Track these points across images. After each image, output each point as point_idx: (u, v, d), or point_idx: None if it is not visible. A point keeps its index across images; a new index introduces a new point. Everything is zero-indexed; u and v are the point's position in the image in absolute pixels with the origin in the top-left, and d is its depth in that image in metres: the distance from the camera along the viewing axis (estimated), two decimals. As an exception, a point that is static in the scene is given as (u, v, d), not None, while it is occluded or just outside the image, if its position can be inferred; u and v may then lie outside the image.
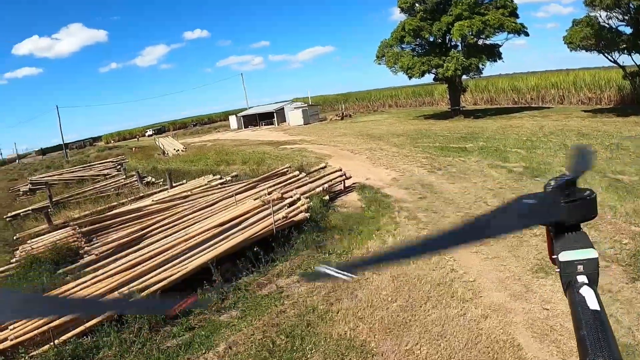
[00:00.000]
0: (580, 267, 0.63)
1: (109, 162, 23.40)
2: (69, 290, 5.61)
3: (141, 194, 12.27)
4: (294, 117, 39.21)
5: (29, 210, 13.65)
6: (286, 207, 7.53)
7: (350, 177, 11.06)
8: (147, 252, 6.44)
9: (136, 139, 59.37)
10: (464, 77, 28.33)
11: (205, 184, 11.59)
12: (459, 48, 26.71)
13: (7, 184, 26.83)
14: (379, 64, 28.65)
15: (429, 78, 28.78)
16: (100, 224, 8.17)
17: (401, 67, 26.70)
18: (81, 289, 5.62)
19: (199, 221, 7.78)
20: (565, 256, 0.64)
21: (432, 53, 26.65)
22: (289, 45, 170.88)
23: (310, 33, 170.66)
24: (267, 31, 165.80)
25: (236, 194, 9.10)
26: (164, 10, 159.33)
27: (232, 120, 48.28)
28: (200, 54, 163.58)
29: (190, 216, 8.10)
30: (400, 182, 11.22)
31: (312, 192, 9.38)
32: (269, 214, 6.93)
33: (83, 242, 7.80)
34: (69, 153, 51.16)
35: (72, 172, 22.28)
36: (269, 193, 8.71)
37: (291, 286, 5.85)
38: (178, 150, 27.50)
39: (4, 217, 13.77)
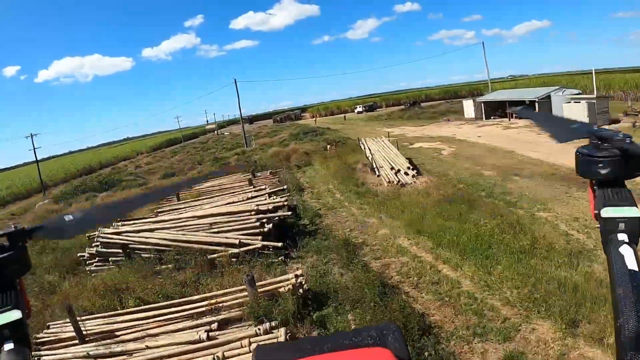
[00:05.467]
0: (621, 225, 0.60)
1: (254, 198, 11.16)
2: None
3: None
4: (572, 113, 23.85)
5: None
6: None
7: None
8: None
9: (343, 117, 56.56)
10: None
11: None
12: None
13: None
14: None
15: None
16: None
17: None
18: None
19: None
20: (607, 212, 0.62)
21: None
22: (503, 19, 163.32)
23: (526, 5, 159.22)
24: (480, 3, 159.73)
25: None
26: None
27: (468, 107, 36.31)
28: (411, 27, 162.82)
29: None
30: None
31: None
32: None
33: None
34: (268, 125, 51.22)
35: (181, 226, 9.85)
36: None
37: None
38: (400, 171, 14.35)
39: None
